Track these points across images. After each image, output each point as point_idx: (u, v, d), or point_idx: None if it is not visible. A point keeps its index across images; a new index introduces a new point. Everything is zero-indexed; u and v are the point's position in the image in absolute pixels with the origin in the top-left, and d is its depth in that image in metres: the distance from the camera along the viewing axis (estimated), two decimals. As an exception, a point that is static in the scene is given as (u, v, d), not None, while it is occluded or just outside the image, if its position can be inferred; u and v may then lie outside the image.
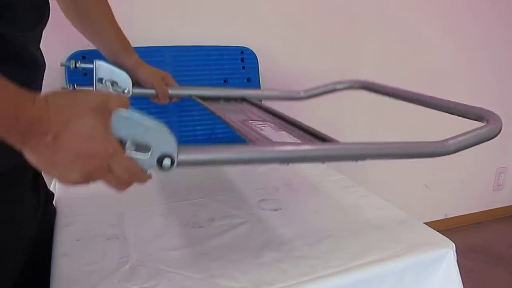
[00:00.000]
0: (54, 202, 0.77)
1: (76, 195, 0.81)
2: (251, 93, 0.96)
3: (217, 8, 1.40)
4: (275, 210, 0.76)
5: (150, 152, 0.43)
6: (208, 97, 0.91)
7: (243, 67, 1.36)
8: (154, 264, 0.58)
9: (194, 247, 0.64)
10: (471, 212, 2.22)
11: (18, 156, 0.48)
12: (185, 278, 0.56)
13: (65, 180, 0.40)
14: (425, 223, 0.70)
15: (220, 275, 0.56)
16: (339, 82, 0.99)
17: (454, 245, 0.65)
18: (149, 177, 0.45)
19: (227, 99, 0.92)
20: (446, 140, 0.60)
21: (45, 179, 0.72)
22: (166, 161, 0.44)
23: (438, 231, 0.68)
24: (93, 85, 0.83)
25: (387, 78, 1.77)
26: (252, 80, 1.36)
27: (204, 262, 0.59)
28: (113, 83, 0.84)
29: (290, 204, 0.79)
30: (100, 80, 0.84)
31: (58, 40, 1.18)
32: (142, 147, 0.43)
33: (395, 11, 1.68)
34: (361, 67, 1.70)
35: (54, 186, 0.92)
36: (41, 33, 0.57)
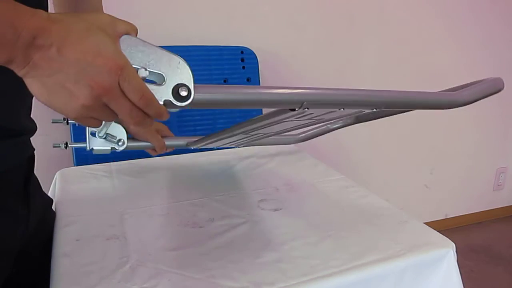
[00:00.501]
0: (54, 205, 0.77)
1: (76, 195, 0.81)
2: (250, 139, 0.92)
3: (217, 8, 1.40)
4: (275, 210, 0.76)
5: (164, 82, 0.40)
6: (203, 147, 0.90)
7: (243, 67, 1.36)
8: (154, 264, 0.58)
9: (194, 247, 0.64)
10: (471, 212, 2.22)
11: (4, 163, 0.46)
12: (185, 278, 0.56)
13: (74, 105, 0.36)
14: (425, 223, 0.70)
15: (220, 275, 0.56)
16: (331, 122, 0.98)
17: (454, 245, 0.65)
18: (167, 112, 0.41)
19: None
20: (461, 91, 0.59)
21: (41, 186, 0.70)
22: (183, 90, 0.40)
23: (438, 231, 0.68)
24: (85, 140, 0.80)
25: (387, 78, 1.77)
26: (252, 80, 1.36)
27: (204, 262, 0.59)
28: (107, 135, 0.80)
29: (290, 204, 0.79)
30: (93, 134, 0.81)
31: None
32: (154, 78, 0.40)
33: (395, 11, 1.68)
34: (361, 67, 1.70)
35: (53, 187, 0.92)
36: None
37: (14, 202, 0.57)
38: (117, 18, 0.40)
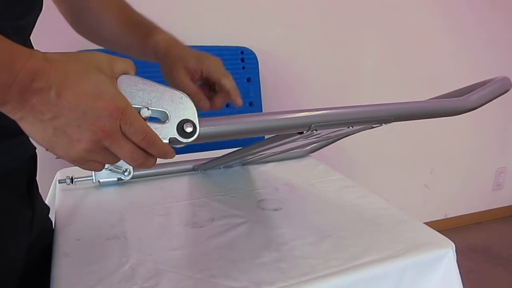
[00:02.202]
0: (54, 205, 0.77)
1: (77, 195, 0.81)
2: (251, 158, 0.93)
3: (217, 8, 1.40)
4: (275, 210, 0.76)
5: (168, 120, 0.39)
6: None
7: (243, 67, 1.36)
8: (154, 264, 0.58)
9: (194, 247, 0.64)
10: (471, 212, 2.22)
11: (6, 164, 0.43)
12: (185, 278, 0.56)
13: (75, 150, 0.36)
14: (425, 223, 0.70)
15: (220, 275, 0.56)
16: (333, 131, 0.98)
17: (454, 245, 0.65)
18: (172, 150, 0.40)
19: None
20: (467, 96, 0.58)
21: (42, 187, 0.68)
22: (188, 126, 0.40)
23: (438, 231, 0.68)
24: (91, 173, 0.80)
25: (387, 79, 1.77)
26: (252, 80, 1.36)
27: (204, 262, 0.59)
28: (113, 166, 0.78)
29: (290, 204, 0.79)
30: None
31: (59, 41, 1.18)
32: (158, 115, 0.39)
33: (395, 11, 1.69)
34: (362, 68, 1.70)
35: (54, 187, 0.92)
36: (31, 26, 0.52)
37: (19, 204, 0.55)
38: (114, 56, 0.39)
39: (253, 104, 1.37)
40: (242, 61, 1.36)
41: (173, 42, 0.66)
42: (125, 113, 0.36)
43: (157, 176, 0.90)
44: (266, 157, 0.94)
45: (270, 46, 1.49)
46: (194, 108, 0.40)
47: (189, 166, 0.92)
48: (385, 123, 0.55)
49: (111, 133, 0.36)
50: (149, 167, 0.41)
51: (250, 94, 1.36)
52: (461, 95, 0.60)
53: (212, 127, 0.43)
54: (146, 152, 0.39)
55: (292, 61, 1.57)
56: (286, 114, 0.48)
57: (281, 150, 0.83)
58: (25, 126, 0.35)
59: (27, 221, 0.57)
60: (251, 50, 1.38)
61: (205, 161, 0.89)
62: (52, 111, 0.33)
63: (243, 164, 0.98)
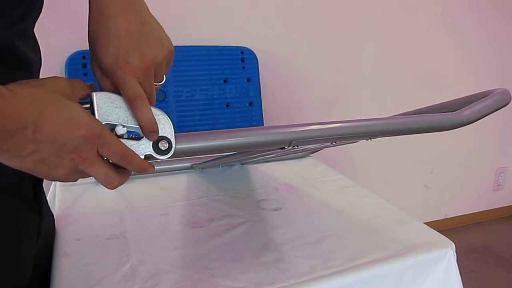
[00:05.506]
0: (54, 206, 0.76)
1: (77, 195, 0.81)
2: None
3: (217, 8, 1.40)
4: (275, 210, 0.76)
5: (144, 137, 0.40)
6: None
7: (243, 67, 1.36)
8: (154, 264, 0.58)
9: (194, 247, 0.64)
10: (471, 212, 2.22)
11: (11, 173, 0.44)
12: (185, 278, 0.56)
13: (54, 175, 0.37)
14: (425, 223, 0.70)
15: (220, 275, 0.56)
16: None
17: (454, 245, 0.65)
18: (151, 165, 0.41)
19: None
20: (461, 110, 0.57)
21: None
22: (163, 144, 0.40)
23: (438, 231, 0.68)
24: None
25: (388, 79, 1.77)
26: (252, 80, 1.36)
27: (204, 262, 0.59)
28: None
29: (290, 204, 0.79)
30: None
31: (58, 40, 1.18)
32: (134, 131, 0.40)
33: (395, 11, 1.68)
34: (361, 67, 1.70)
35: (54, 187, 0.92)
36: (31, 28, 0.50)
37: (25, 211, 0.54)
38: (71, 80, 0.39)
39: (253, 104, 1.37)
40: (242, 61, 1.36)
41: None
42: (101, 137, 0.37)
43: (155, 174, 0.90)
44: (266, 158, 0.94)
45: (270, 46, 1.49)
46: (171, 125, 0.41)
47: (187, 164, 0.93)
48: (370, 138, 0.53)
49: (88, 158, 0.37)
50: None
51: (250, 94, 1.36)
52: (460, 106, 0.58)
53: (189, 144, 0.43)
54: (123, 170, 0.40)
55: (292, 61, 1.57)
56: (265, 130, 0.48)
57: (276, 154, 0.83)
58: (2, 160, 0.34)
59: (35, 227, 0.56)
60: (251, 50, 1.38)
61: (203, 161, 0.90)
62: (31, 147, 0.33)
63: (243, 163, 0.98)
